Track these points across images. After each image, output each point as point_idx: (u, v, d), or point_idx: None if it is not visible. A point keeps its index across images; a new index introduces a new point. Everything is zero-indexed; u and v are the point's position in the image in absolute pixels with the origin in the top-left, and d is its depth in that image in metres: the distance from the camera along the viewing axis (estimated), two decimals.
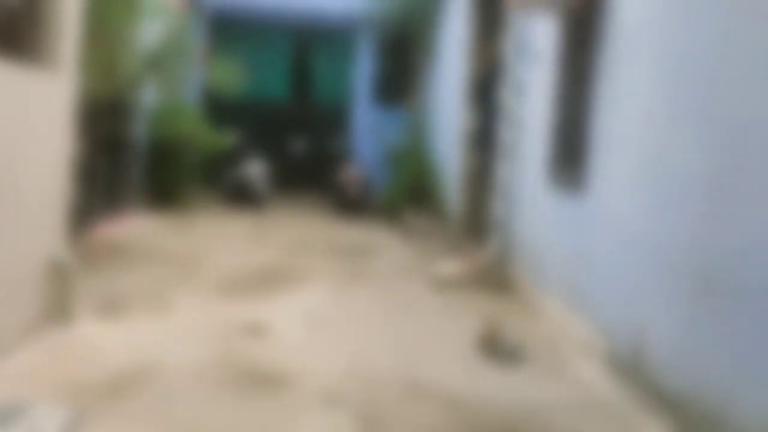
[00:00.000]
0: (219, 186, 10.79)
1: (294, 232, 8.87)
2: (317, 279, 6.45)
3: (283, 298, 5.72)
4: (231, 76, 8.18)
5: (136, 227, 8.04)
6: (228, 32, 11.64)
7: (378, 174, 11.36)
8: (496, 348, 4.43)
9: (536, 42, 6.36)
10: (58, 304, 4.21)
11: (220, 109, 10.85)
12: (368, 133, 12.19)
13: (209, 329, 4.74)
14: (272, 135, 12.18)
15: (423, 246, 8.48)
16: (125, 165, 8.31)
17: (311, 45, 12.59)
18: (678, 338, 3.43)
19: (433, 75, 11.15)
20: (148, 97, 8.55)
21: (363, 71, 12.52)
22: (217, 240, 7.98)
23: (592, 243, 4.77)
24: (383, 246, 8.37)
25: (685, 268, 3.39)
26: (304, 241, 8.23)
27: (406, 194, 10.18)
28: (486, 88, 8.07)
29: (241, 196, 10.53)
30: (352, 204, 10.66)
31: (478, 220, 8.04)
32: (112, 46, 5.88)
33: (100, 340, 4.32)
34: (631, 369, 3.88)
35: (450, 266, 6.91)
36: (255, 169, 10.64)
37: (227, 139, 9.94)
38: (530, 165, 6.42)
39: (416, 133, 11.36)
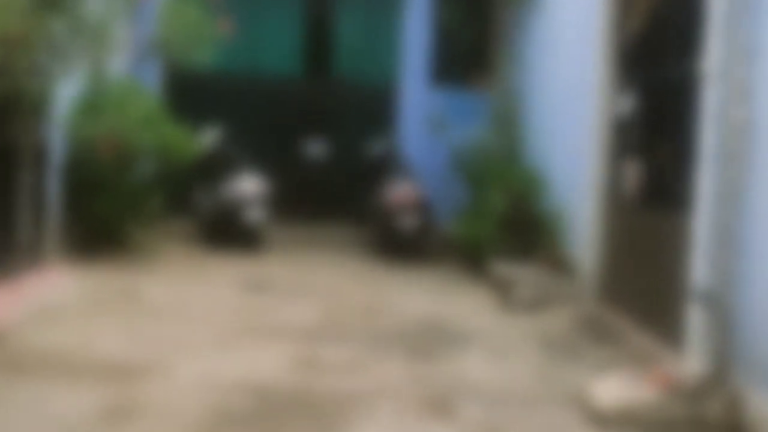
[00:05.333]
0: (191, 215, 10.32)
1: (314, 296, 7.89)
2: (365, 414, 4.89)
3: None
4: (197, 28, 7.34)
5: (39, 298, 6.95)
6: None
7: (444, 193, 10.78)
8: None
9: None
10: None
11: (193, 93, 10.83)
12: (426, 128, 11.51)
13: None
14: (275, 133, 11.71)
15: (539, 325, 7.25)
16: (26, 190, 7.56)
17: None
18: None
19: (536, 33, 10.38)
20: (69, 79, 7.77)
21: (415, 32, 11.86)
22: (179, 319, 6.75)
23: None
24: (469, 325, 7.17)
25: None
26: (332, 318, 7.14)
27: (495, 227, 9.14)
28: (649, 54, 7.21)
29: (227, 232, 9.95)
30: (404, 242, 10.05)
31: (647, 283, 6.76)
32: None
33: None
34: None
35: (619, 386, 5.24)
36: (248, 188, 9.96)
37: (204, 140, 9.75)
38: None
39: (506, 129, 10.63)
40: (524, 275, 8.22)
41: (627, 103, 7.50)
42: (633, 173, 7.27)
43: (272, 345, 6.08)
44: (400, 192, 10.09)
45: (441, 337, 6.65)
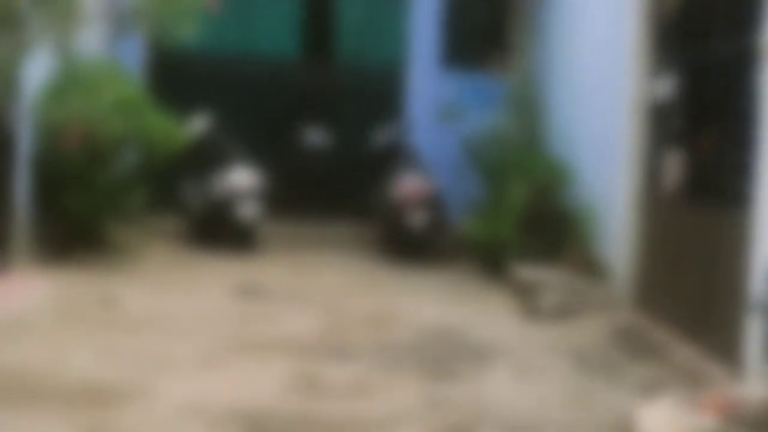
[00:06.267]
0: (177, 212, 10.33)
1: (315, 303, 7.83)
2: None
3: None
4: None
5: (3, 307, 6.84)
6: None
7: (457, 187, 10.80)
8: None
9: None
10: None
11: (180, 75, 10.96)
12: (436, 115, 11.50)
13: None
14: (271, 121, 11.65)
15: (569, 337, 7.11)
16: None
17: None
18: None
19: (559, 9, 10.43)
20: (38, 59, 7.75)
21: (425, 9, 11.82)
22: (162, 331, 6.61)
23: None
24: (490, 336, 7.03)
25: None
26: (335, 328, 7.07)
27: (515, 224, 9.15)
28: (692, 30, 7.16)
29: (217, 230, 9.95)
30: (414, 241, 10.08)
31: (693, 289, 6.62)
32: None
33: None
34: None
35: (668, 411, 5.01)
36: (241, 182, 9.97)
37: (191, 128, 9.78)
38: None
39: (526, 116, 10.73)
40: (550, 279, 8.18)
41: (666, 86, 7.42)
42: (674, 164, 7.20)
43: (268, 362, 5.93)
44: (408, 186, 10.07)
45: (458, 351, 6.49)
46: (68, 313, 6.81)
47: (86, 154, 8.17)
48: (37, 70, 8.01)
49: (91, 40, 8.48)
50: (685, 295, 6.64)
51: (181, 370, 5.65)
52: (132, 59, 10.35)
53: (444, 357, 6.31)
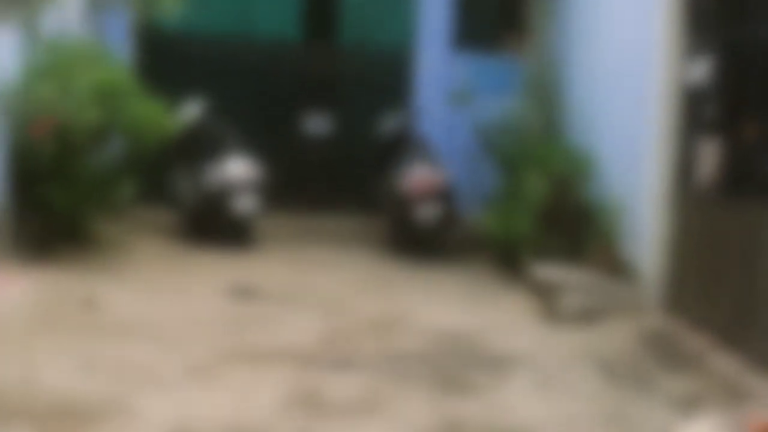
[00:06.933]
0: (168, 205, 10.27)
1: (316, 306, 7.77)
2: None
3: None
4: None
5: None
6: None
7: (470, 178, 10.88)
8: None
9: None
10: None
11: (172, 58, 10.88)
12: (447, 101, 11.47)
13: None
14: (269, 107, 11.54)
15: (594, 343, 7.01)
16: None
17: None
18: None
19: None
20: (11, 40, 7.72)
21: None
22: (148, 338, 6.49)
23: None
24: (508, 343, 6.95)
25: None
26: (337, 334, 7.02)
27: (534, 219, 9.11)
28: (732, 8, 7.04)
29: (211, 224, 9.93)
30: (424, 237, 10.10)
31: (730, 292, 6.46)
32: None
33: None
34: None
35: (713, 431, 4.79)
36: (237, 173, 9.92)
37: (184, 115, 9.79)
38: None
39: (544, 101, 10.72)
40: (572, 279, 8.10)
41: (701, 69, 7.32)
42: (710, 155, 7.09)
43: (264, 374, 5.82)
44: (417, 177, 10.06)
45: (474, 361, 6.39)
46: (46, 317, 6.66)
47: (59, 145, 8.02)
48: (11, 53, 7.86)
49: (70, 17, 8.33)
50: (723, 299, 6.48)
51: (168, 383, 5.52)
52: (117, 39, 10.23)
53: (458, 367, 6.22)
